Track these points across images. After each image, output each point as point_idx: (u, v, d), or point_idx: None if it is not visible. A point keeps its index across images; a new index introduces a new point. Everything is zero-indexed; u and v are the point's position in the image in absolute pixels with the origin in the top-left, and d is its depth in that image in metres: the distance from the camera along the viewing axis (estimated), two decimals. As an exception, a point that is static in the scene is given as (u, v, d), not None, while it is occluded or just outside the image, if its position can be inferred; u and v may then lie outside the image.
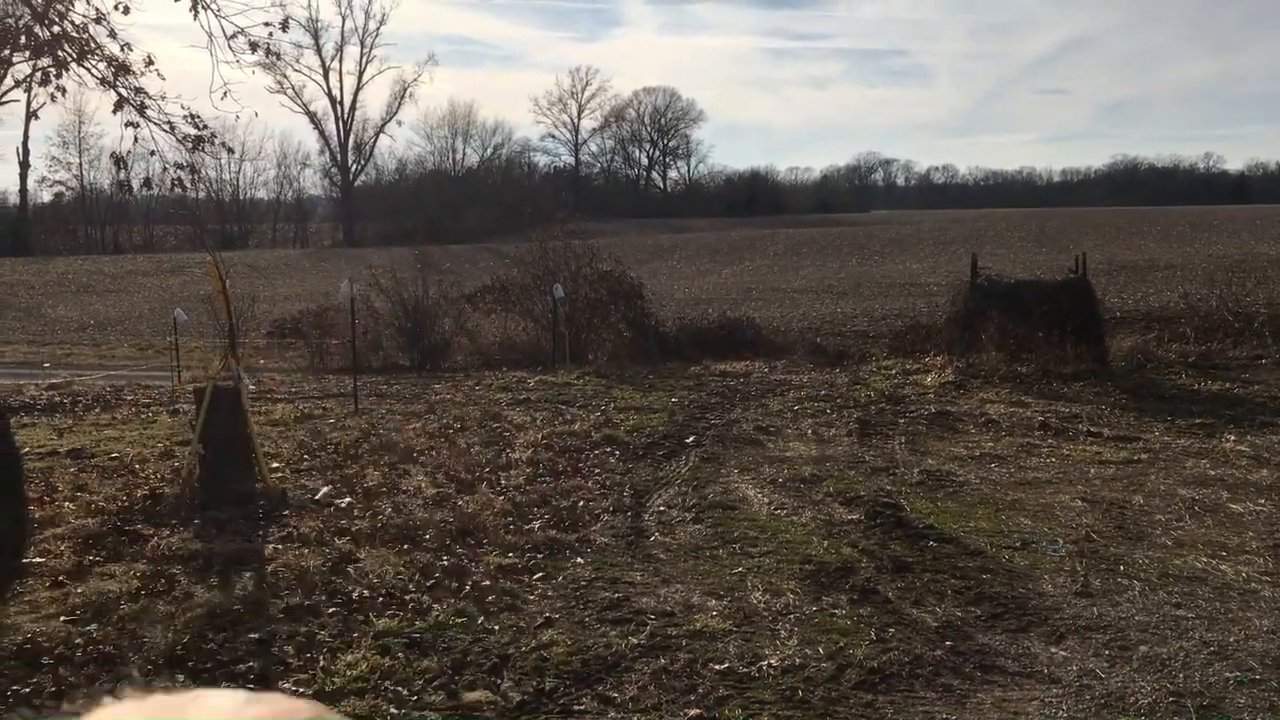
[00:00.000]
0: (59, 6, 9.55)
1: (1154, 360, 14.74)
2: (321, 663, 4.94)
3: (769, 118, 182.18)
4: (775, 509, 7.84)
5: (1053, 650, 5.05)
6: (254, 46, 9.68)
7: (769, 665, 4.88)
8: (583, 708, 4.49)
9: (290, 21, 10.24)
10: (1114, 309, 19.36)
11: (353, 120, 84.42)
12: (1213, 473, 8.74)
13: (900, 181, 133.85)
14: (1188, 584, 5.99)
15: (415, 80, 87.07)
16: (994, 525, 7.28)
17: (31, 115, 76.66)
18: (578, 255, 20.71)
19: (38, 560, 6.67)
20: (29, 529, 6.49)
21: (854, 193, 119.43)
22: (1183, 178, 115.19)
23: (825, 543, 6.89)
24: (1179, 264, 31.94)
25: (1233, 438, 10.01)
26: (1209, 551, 6.57)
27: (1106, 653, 5.00)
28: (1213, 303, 17.96)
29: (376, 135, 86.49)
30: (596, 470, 9.33)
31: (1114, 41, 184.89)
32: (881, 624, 5.40)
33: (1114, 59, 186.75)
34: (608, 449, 10.23)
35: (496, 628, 5.46)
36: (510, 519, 7.66)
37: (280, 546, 7.01)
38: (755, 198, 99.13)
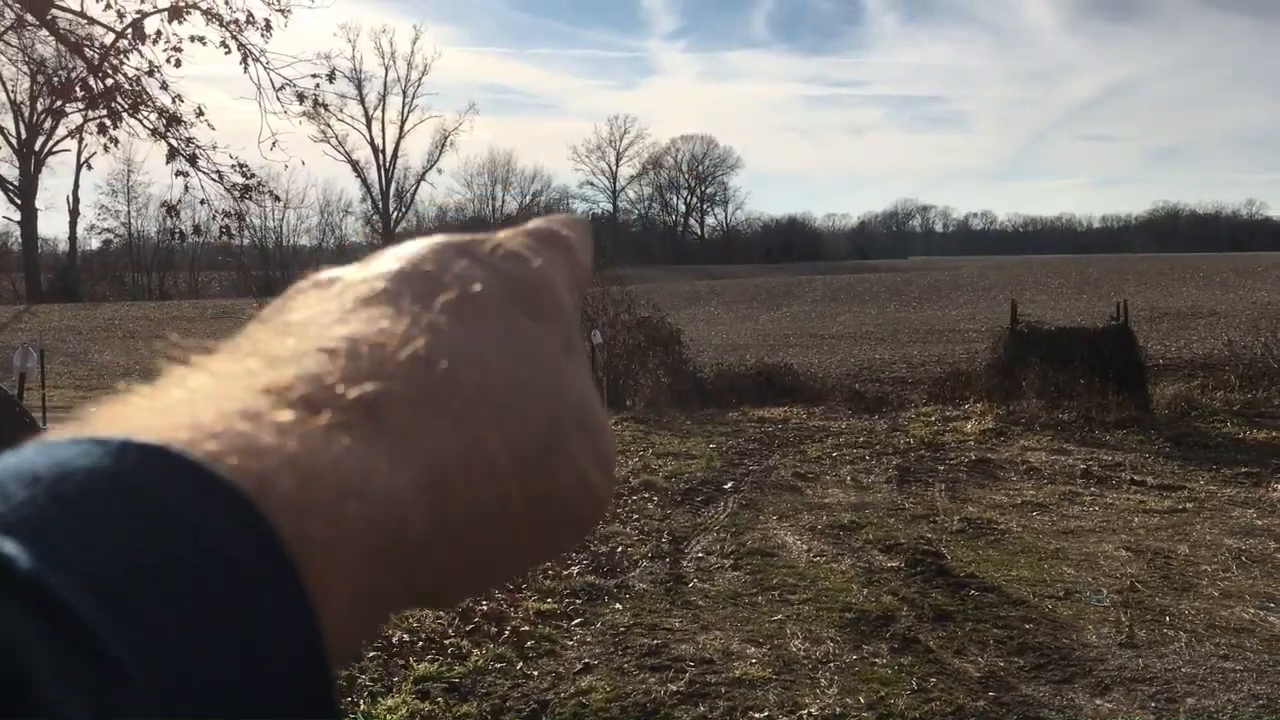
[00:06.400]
0: (113, 60, 9.84)
1: (1198, 408, 14.55)
2: (362, 707, 4.96)
3: (806, 164, 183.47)
4: (814, 556, 7.81)
5: (1098, 702, 4.98)
6: (301, 98, 9.92)
7: (809, 714, 4.84)
8: (622, 755, 4.48)
9: (336, 73, 10.48)
10: (1156, 356, 19.16)
11: (394, 168, 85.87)
12: (1260, 522, 8.60)
13: (939, 228, 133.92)
14: (1235, 635, 5.89)
15: (456, 129, 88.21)
16: (1036, 574, 7.20)
17: (83, 165, 78.52)
18: (616, 301, 20.80)
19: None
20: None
21: (892, 239, 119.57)
22: (1225, 224, 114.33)
23: (865, 591, 6.85)
24: (1222, 311, 31.59)
25: (1280, 487, 9.86)
26: (1257, 603, 6.46)
27: (1153, 705, 4.93)
28: (1257, 350, 17.72)
29: (418, 183, 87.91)
30: (635, 516, 9.33)
31: (1159, 87, 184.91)
32: (923, 673, 5.35)
33: (1159, 105, 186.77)
34: (646, 494, 10.23)
35: (535, 673, 5.47)
36: (549, 564, 7.68)
37: (321, 590, 7.06)
38: (793, 244, 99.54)
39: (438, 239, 0.41)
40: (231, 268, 79.86)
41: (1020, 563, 7.52)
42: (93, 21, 10.03)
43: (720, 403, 18.76)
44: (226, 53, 9.72)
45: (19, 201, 71.45)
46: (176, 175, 9.78)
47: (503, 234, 0.44)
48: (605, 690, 5.19)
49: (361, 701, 5.03)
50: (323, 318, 0.36)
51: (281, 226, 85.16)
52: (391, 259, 0.39)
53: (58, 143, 70.67)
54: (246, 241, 77.34)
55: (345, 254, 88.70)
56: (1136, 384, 14.63)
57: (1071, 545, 8.01)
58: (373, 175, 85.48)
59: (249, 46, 9.83)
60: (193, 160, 9.62)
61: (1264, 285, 43.01)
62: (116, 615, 0.24)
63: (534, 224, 0.47)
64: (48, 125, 67.30)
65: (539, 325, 0.39)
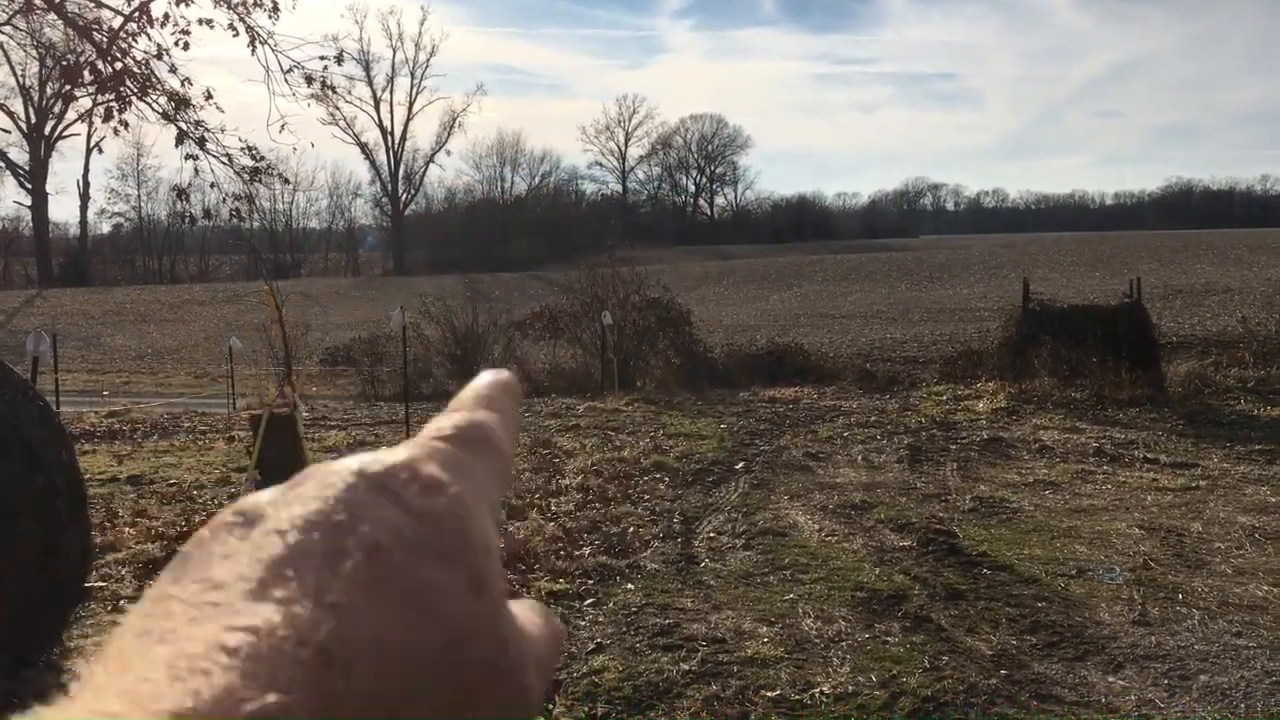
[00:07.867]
0: (122, 44, 9.84)
1: (1211, 385, 14.50)
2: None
3: (816, 143, 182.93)
4: (826, 535, 7.81)
5: (1110, 679, 4.98)
6: (309, 80, 9.91)
7: (821, 692, 4.85)
8: (635, 734, 4.50)
9: (344, 55, 10.47)
10: (1170, 333, 19.10)
11: (403, 150, 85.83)
12: (1274, 500, 8.58)
13: (950, 206, 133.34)
14: (1248, 613, 5.89)
15: (464, 110, 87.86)
16: (1049, 553, 7.19)
17: (93, 148, 78.78)
18: (626, 282, 20.82)
19: (99, 584, 6.80)
20: (91, 554, 6.61)
21: (902, 217, 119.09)
22: (1239, 200, 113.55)
23: (877, 570, 6.85)
24: (1236, 287, 31.43)
25: (1294, 464, 9.82)
26: (1270, 580, 6.44)
27: (1166, 682, 4.93)
28: (1272, 327, 17.66)
29: (426, 165, 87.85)
30: (646, 496, 9.35)
31: (1168, 64, 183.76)
32: (935, 652, 5.36)
33: (1169, 82, 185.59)
34: (657, 475, 10.24)
35: (548, 653, 5.49)
36: (561, 545, 7.69)
37: (335, 572, 7.09)
38: (803, 223, 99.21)
39: (356, 471, 0.39)
40: (242, 251, 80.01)
41: (1032, 541, 7.51)
42: (101, 5, 10.04)
43: (731, 383, 18.76)
44: (235, 35, 9.72)
45: (29, 186, 71.68)
46: (186, 159, 9.80)
47: (423, 446, 0.41)
48: (618, 670, 5.21)
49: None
50: (237, 584, 0.35)
51: (291, 209, 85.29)
52: (311, 497, 0.37)
53: (67, 127, 70.84)
54: (256, 224, 77.53)
55: (354, 236, 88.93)
56: (1150, 362, 14.58)
57: (1084, 523, 8.00)
58: (381, 157, 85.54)
59: (257, 29, 9.82)
60: (202, 143, 9.63)
61: (1278, 262, 42.75)
62: None
63: (455, 422, 0.43)
64: (57, 109, 67.39)
65: (445, 570, 0.37)
